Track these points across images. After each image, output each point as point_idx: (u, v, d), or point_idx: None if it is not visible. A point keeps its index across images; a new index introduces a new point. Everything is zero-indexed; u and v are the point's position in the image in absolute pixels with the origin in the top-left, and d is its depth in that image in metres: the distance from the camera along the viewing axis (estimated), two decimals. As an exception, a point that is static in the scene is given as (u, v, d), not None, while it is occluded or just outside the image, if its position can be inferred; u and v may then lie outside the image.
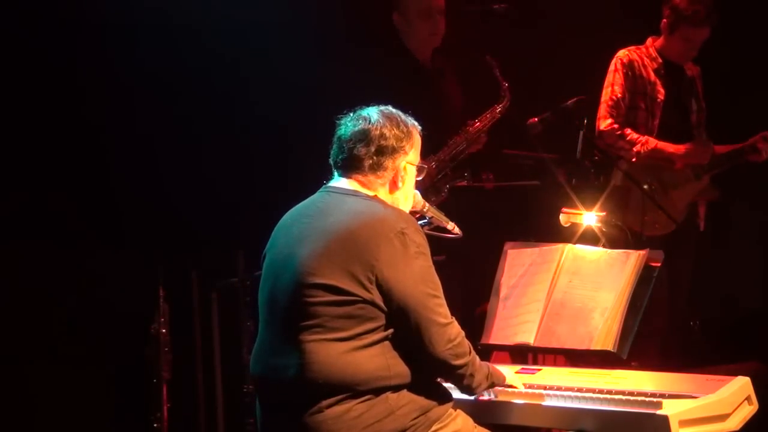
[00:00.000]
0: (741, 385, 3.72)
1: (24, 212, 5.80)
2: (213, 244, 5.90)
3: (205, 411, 5.81)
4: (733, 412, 3.67)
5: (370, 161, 3.64)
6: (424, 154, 3.84)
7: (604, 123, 5.77)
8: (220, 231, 5.95)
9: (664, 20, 5.80)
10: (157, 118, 5.93)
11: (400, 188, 3.70)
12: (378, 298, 3.48)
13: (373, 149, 3.63)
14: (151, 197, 5.92)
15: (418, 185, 3.84)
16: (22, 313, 5.75)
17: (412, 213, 3.81)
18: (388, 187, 3.68)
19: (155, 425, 5.51)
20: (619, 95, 5.79)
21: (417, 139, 3.73)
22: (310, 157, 4.09)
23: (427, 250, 3.58)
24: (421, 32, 5.80)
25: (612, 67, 5.86)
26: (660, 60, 5.84)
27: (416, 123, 3.74)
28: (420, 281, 3.52)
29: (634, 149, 5.70)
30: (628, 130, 5.75)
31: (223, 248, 5.70)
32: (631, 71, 5.81)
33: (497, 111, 5.67)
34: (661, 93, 5.82)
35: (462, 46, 5.99)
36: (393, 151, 3.65)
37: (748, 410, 3.72)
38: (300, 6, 5.99)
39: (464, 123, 5.69)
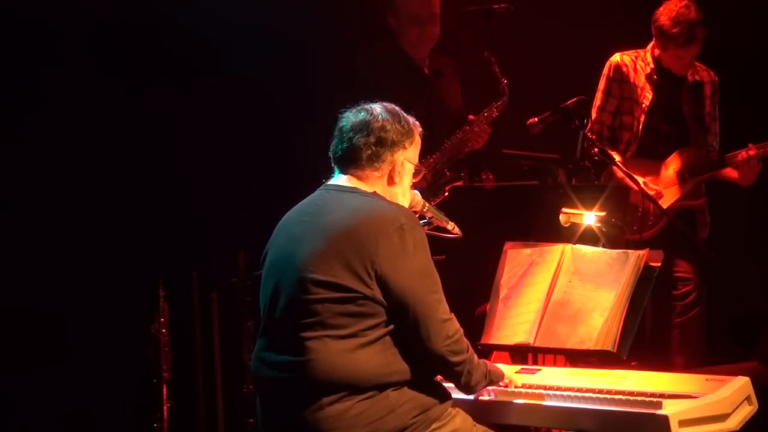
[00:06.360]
0: (741, 385, 3.71)
1: (24, 212, 5.81)
2: (213, 244, 5.90)
3: (205, 411, 5.81)
4: (733, 412, 3.67)
5: (369, 152, 3.64)
6: (421, 156, 3.84)
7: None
8: (220, 231, 5.95)
9: (654, 39, 5.78)
10: (158, 117, 5.94)
11: (397, 183, 3.70)
12: (378, 294, 3.49)
13: (372, 140, 3.64)
14: (151, 197, 5.92)
15: (417, 186, 3.84)
16: (22, 313, 5.75)
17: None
18: (385, 181, 3.69)
19: (155, 425, 5.51)
20: (600, 102, 5.81)
21: (417, 139, 3.74)
22: (311, 156, 4.09)
23: (426, 245, 3.58)
24: (410, 36, 5.84)
25: (603, 72, 5.85)
26: (653, 65, 5.80)
27: (418, 123, 3.76)
28: (419, 277, 3.53)
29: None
30: (596, 148, 5.79)
31: (223, 248, 5.70)
32: (618, 75, 5.79)
33: (494, 109, 5.70)
34: (647, 98, 5.78)
35: (460, 46, 6.00)
36: (393, 144, 3.66)
37: (748, 410, 3.71)
38: (294, 8, 6.01)
39: (463, 123, 5.72)
